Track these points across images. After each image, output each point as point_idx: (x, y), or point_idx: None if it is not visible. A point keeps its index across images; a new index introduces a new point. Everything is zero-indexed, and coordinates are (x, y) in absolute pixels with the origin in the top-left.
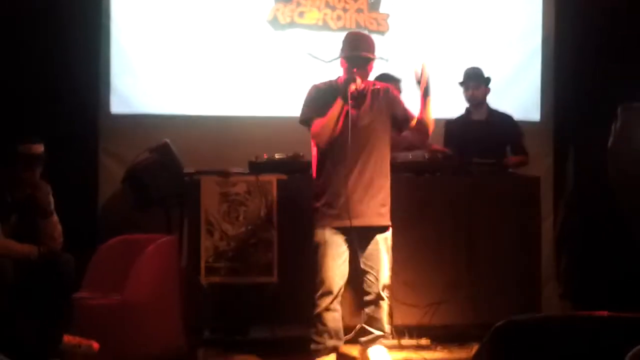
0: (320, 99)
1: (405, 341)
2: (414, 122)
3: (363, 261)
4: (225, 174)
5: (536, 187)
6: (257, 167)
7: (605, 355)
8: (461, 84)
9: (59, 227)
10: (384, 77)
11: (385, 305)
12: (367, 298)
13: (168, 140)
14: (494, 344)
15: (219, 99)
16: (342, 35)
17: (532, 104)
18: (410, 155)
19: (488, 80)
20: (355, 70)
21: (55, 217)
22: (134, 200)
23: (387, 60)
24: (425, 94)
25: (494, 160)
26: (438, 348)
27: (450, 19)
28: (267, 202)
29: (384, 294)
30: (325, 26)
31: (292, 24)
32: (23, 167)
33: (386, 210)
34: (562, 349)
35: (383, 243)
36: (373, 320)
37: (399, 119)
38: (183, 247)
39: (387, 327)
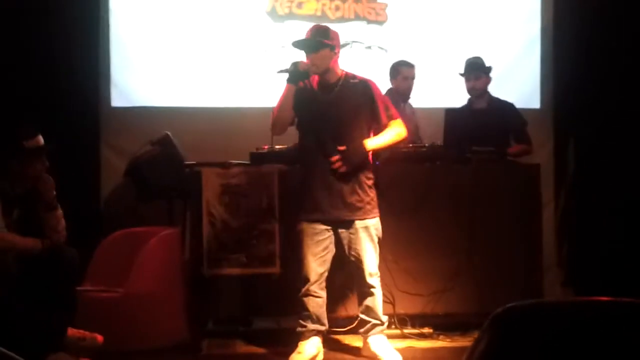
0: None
1: (408, 330)
2: (382, 129)
3: (346, 252)
4: (226, 166)
5: (536, 174)
6: (258, 158)
7: (606, 341)
8: (462, 74)
9: (63, 221)
10: (399, 63)
11: (377, 293)
12: (359, 289)
13: (169, 133)
14: (493, 330)
15: (219, 90)
16: (341, 25)
17: (532, 92)
18: (410, 145)
19: (489, 69)
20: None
21: (59, 211)
22: (137, 193)
23: (352, 45)
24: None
25: (493, 148)
26: (440, 337)
27: (449, 8)
28: (269, 193)
29: (373, 283)
30: (324, 16)
31: (290, 15)
32: (31, 161)
33: (365, 202)
34: (563, 334)
35: (364, 232)
36: (368, 310)
37: (369, 117)
38: (186, 239)
39: (383, 316)
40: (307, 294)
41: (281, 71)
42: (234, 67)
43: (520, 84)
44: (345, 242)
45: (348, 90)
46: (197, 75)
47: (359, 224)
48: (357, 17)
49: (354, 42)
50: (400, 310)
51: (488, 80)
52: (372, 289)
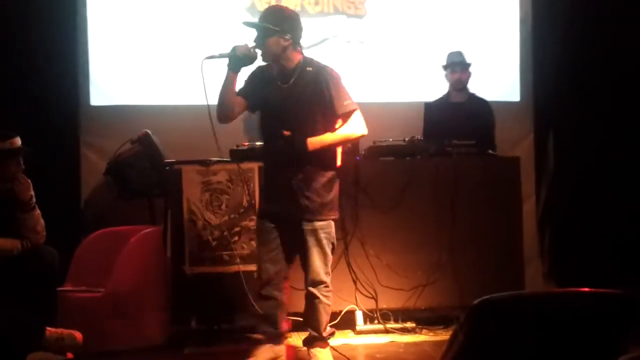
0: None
1: (391, 325)
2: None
3: (294, 255)
4: (206, 163)
5: (516, 167)
6: (238, 155)
7: (584, 332)
8: (445, 67)
9: (42, 221)
10: None
11: (318, 304)
12: (305, 293)
13: (149, 131)
14: (470, 322)
15: (199, 88)
16: (320, 20)
17: (512, 85)
18: (390, 139)
19: (470, 64)
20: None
21: (37, 211)
22: (117, 192)
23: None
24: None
25: (473, 141)
26: (423, 331)
27: (428, 1)
28: (249, 190)
29: (316, 292)
30: (303, 11)
31: None
32: (5, 162)
33: (317, 203)
34: (541, 325)
35: (311, 235)
36: (307, 318)
37: (324, 107)
38: (167, 238)
39: (325, 329)
40: (260, 296)
41: (212, 57)
42: (212, 65)
43: (499, 76)
44: (293, 245)
45: (302, 80)
46: (177, 73)
47: (307, 227)
48: (337, 12)
49: (333, 36)
50: (383, 305)
51: (469, 74)
52: (315, 299)
